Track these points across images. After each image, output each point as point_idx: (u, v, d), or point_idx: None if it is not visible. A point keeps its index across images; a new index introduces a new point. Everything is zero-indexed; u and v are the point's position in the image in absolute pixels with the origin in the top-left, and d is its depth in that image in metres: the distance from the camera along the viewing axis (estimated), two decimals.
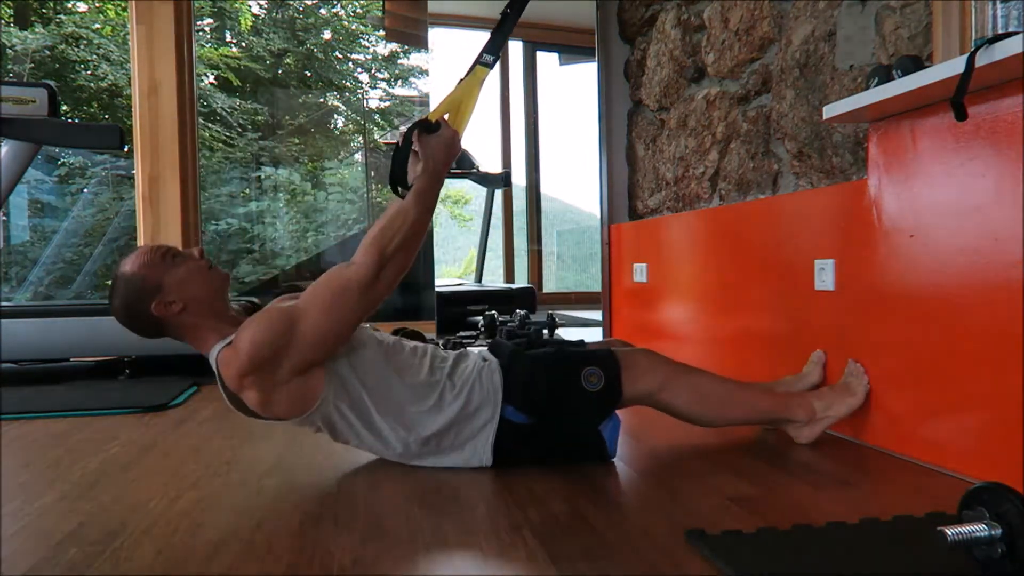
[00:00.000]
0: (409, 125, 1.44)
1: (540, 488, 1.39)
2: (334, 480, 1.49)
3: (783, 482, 1.44)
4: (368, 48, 8.35)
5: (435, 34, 6.07)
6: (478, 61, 1.49)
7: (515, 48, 6.07)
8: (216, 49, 7.41)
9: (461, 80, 1.50)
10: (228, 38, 7.80)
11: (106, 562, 1.07)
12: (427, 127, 1.42)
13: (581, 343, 1.80)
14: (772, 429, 1.80)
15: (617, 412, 1.57)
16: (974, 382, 1.39)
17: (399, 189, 1.42)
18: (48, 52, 6.61)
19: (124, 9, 6.71)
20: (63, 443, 1.83)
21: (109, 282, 1.54)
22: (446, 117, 1.47)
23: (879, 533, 1.12)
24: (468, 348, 1.68)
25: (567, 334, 4.04)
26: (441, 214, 10.12)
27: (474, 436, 1.51)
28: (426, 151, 1.42)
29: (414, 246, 1.46)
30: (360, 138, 8.00)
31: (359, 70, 8.44)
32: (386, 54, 8.29)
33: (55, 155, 6.05)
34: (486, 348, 1.68)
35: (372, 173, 7.30)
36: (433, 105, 1.50)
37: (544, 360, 1.58)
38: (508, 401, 1.51)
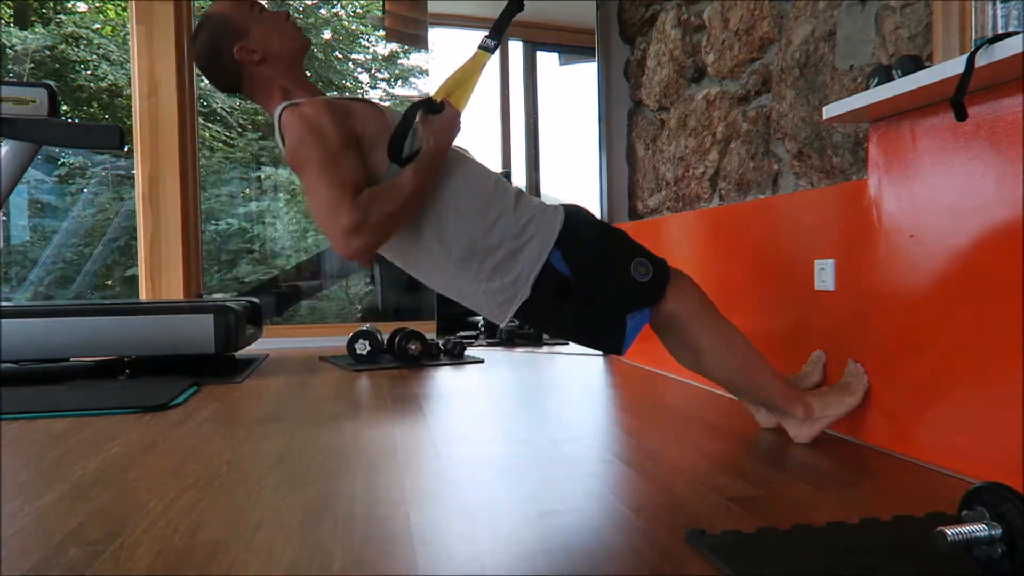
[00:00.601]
0: (412, 103, 1.47)
1: (540, 488, 1.39)
2: (334, 480, 1.49)
3: (783, 482, 1.44)
4: (368, 48, 8.35)
5: (435, 34, 6.07)
6: (480, 46, 1.53)
7: (515, 48, 6.07)
8: None
9: (462, 65, 1.53)
10: None
11: (106, 562, 1.07)
12: (430, 107, 1.45)
13: None
14: (772, 429, 1.80)
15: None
16: (974, 382, 1.39)
17: (395, 158, 1.45)
18: (48, 52, 6.61)
19: (124, 9, 6.71)
20: (63, 443, 1.83)
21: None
22: (450, 100, 1.50)
23: (879, 533, 1.12)
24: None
25: None
26: None
27: (519, 264, 1.52)
28: (428, 129, 1.45)
29: (400, 218, 1.47)
30: None
31: (359, 70, 8.44)
32: (386, 54, 8.29)
33: (55, 155, 6.05)
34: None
35: None
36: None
37: (607, 231, 1.63)
38: (559, 246, 1.52)
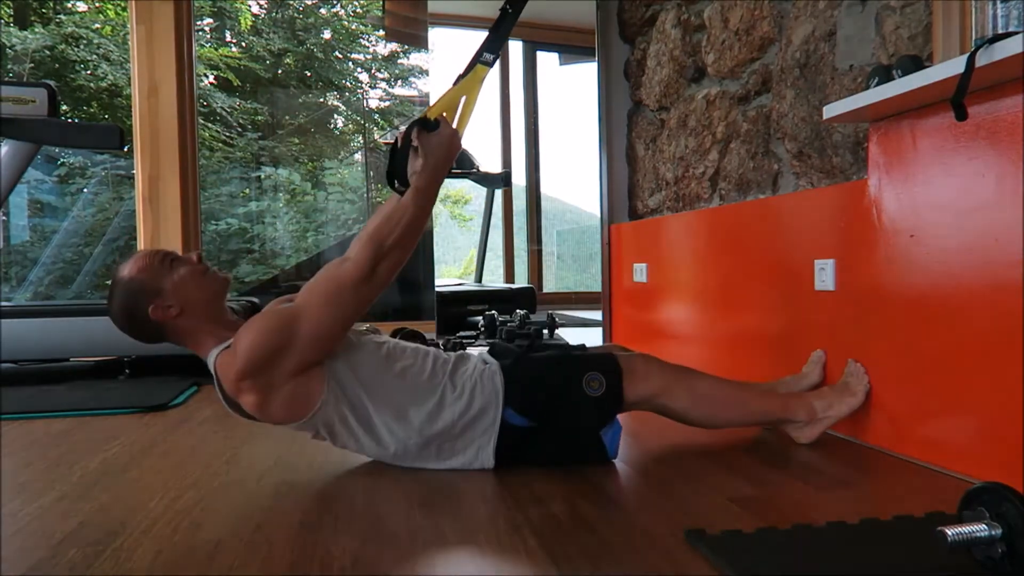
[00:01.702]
0: (409, 123, 1.44)
1: (540, 488, 1.39)
2: (334, 480, 1.49)
3: (783, 482, 1.44)
4: (368, 48, 8.34)
5: (435, 34, 6.08)
6: (478, 60, 1.49)
7: (515, 48, 6.07)
8: (216, 49, 7.40)
9: (460, 77, 1.49)
10: (228, 38, 7.80)
11: (106, 562, 1.07)
12: (426, 125, 1.42)
13: (582, 347, 1.80)
14: (772, 429, 1.80)
15: (618, 417, 1.57)
16: (974, 382, 1.39)
17: (396, 185, 1.43)
18: (48, 52, 6.61)
19: (124, 9, 6.71)
20: (63, 443, 1.83)
21: (109, 283, 1.54)
22: (448, 117, 1.47)
23: (879, 533, 1.11)
24: (468, 351, 1.68)
25: (567, 334, 4.04)
26: (441, 214, 10.12)
27: (476, 439, 1.50)
28: (426, 149, 1.42)
29: (411, 243, 1.45)
30: (360, 138, 8.00)
31: (359, 70, 8.44)
32: (386, 54, 8.29)
33: (55, 155, 6.05)
34: (486, 350, 1.68)
35: (372, 173, 7.30)
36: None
37: (546, 363, 1.58)
38: (508, 404, 1.50)
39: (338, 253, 1.60)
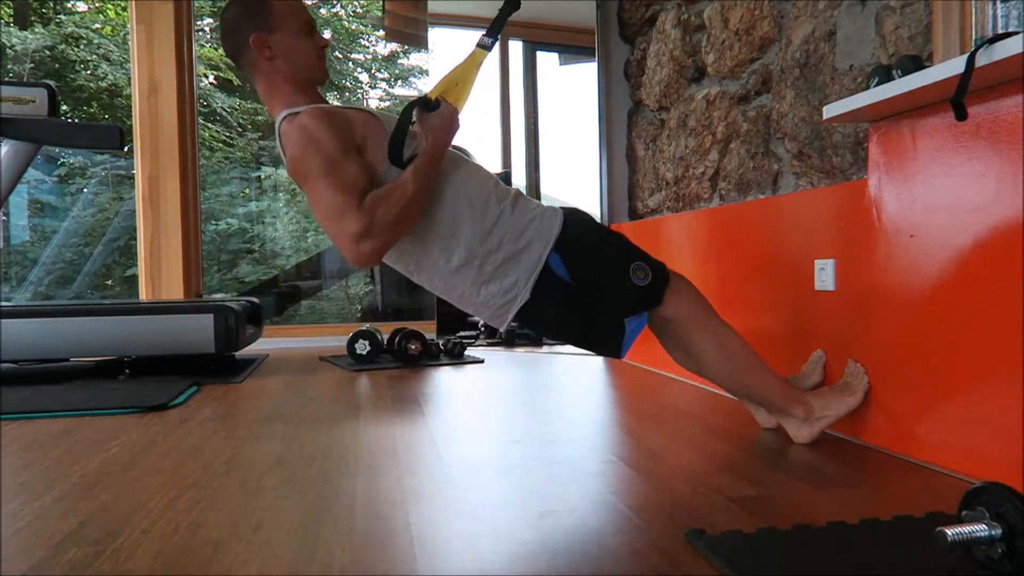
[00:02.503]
0: (408, 103, 1.47)
1: (541, 488, 1.39)
2: (334, 480, 1.49)
3: (783, 482, 1.44)
4: (368, 48, 8.35)
5: (435, 34, 6.07)
6: (478, 44, 1.53)
7: (515, 48, 6.07)
8: (216, 49, 7.40)
9: (460, 63, 1.53)
10: None
11: (106, 562, 1.07)
12: (426, 105, 1.45)
13: None
14: (773, 429, 1.80)
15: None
16: (974, 382, 1.39)
17: (392, 163, 1.45)
18: (48, 52, 6.61)
19: (124, 9, 6.71)
20: (63, 443, 1.83)
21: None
22: (448, 98, 1.50)
23: (879, 533, 1.12)
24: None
25: None
26: None
27: (518, 268, 1.52)
28: (425, 128, 1.45)
29: (407, 220, 1.47)
30: None
31: (359, 70, 8.44)
32: (386, 54, 8.30)
33: (55, 155, 6.05)
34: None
35: None
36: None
37: (606, 234, 1.64)
38: (557, 249, 1.52)
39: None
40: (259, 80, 1.58)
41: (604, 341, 1.57)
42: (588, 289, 1.54)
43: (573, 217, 1.60)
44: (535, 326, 1.61)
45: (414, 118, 1.46)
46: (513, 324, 1.60)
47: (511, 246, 1.52)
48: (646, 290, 1.55)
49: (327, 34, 8.10)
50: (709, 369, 1.65)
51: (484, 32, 1.56)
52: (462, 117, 1.55)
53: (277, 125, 1.54)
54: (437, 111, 1.46)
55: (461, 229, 1.51)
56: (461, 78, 1.54)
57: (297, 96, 1.56)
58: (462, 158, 1.60)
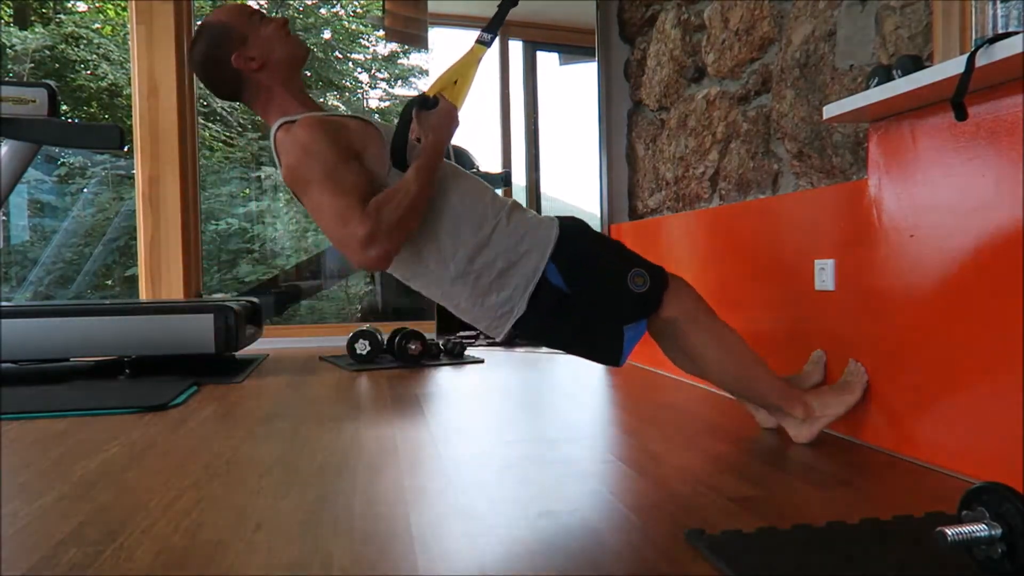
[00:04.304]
0: (408, 102, 1.47)
1: (541, 488, 1.39)
2: (334, 480, 1.49)
3: (783, 482, 1.43)
4: (368, 48, 8.35)
5: (435, 34, 6.07)
6: (477, 40, 1.53)
7: (515, 48, 6.06)
8: None
9: (458, 60, 1.53)
10: None
11: (106, 562, 1.07)
12: (425, 103, 1.44)
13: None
14: (773, 429, 1.80)
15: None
16: (974, 382, 1.39)
17: (395, 163, 1.45)
18: (48, 52, 6.61)
19: (124, 9, 6.71)
20: (63, 443, 1.83)
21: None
22: (447, 95, 1.49)
23: (879, 533, 1.12)
24: None
25: None
26: None
27: (515, 279, 1.52)
28: (425, 126, 1.44)
29: (412, 220, 1.47)
30: None
31: (359, 70, 8.44)
32: (386, 54, 8.29)
33: (55, 155, 6.05)
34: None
35: None
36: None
37: (602, 242, 1.63)
38: (554, 259, 1.52)
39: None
40: (255, 96, 1.55)
41: (603, 350, 1.57)
42: (586, 298, 1.53)
43: (569, 226, 1.59)
44: (533, 336, 1.60)
45: (412, 116, 1.46)
46: (512, 333, 1.59)
47: (507, 257, 1.51)
48: (645, 296, 1.54)
49: (327, 34, 8.10)
50: (709, 369, 1.65)
51: (483, 28, 1.56)
52: (461, 114, 1.55)
53: (272, 133, 1.53)
54: (436, 108, 1.45)
55: (457, 241, 1.51)
56: (460, 75, 1.53)
57: (291, 103, 1.54)
58: (458, 169, 1.60)
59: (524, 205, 1.65)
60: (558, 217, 1.67)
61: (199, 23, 1.58)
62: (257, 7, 1.64)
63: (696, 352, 1.62)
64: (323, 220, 1.47)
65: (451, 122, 1.48)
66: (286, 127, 1.49)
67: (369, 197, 1.44)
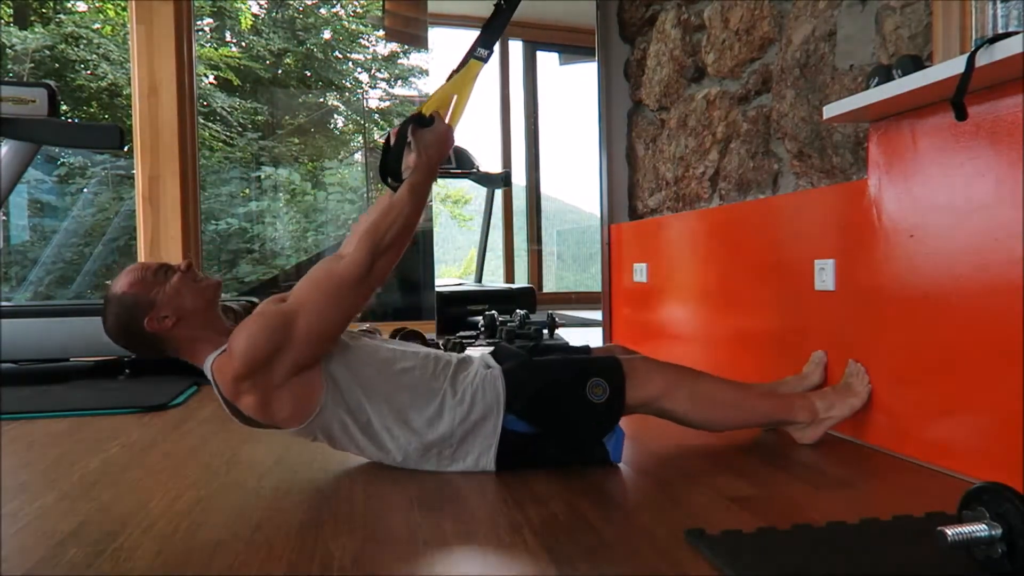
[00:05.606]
0: (404, 120, 1.45)
1: (540, 488, 1.39)
2: (334, 480, 1.49)
3: (783, 482, 1.43)
4: (368, 48, 8.35)
5: (435, 34, 6.08)
6: (471, 55, 1.50)
7: (515, 48, 6.07)
8: (216, 49, 7.41)
9: (453, 73, 1.50)
10: (228, 38, 7.80)
11: (106, 562, 1.07)
12: (421, 121, 1.43)
13: (586, 348, 1.79)
14: (773, 429, 1.80)
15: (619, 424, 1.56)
16: (974, 382, 1.39)
17: (390, 181, 1.43)
18: (48, 52, 6.61)
19: (124, 9, 6.71)
20: (63, 443, 1.83)
21: (108, 282, 1.55)
22: (442, 113, 1.48)
23: (879, 533, 1.12)
24: (470, 354, 1.66)
25: (567, 334, 4.04)
26: (441, 214, 10.12)
27: (476, 445, 1.49)
28: (420, 145, 1.43)
29: (406, 239, 1.45)
30: (360, 138, 8.01)
31: (359, 70, 8.44)
32: (386, 54, 8.30)
33: (55, 155, 6.05)
34: (488, 353, 1.67)
35: (372, 173, 7.29)
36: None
37: (549, 369, 1.56)
38: (510, 410, 1.49)
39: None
40: (181, 350, 1.51)
41: (591, 462, 1.55)
42: (554, 429, 1.52)
43: (513, 369, 1.55)
44: (519, 468, 1.55)
45: (409, 136, 1.44)
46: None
47: (463, 427, 1.48)
48: (608, 404, 1.50)
49: (327, 34, 8.10)
50: (701, 426, 1.63)
51: (477, 42, 1.51)
52: (459, 121, 1.52)
53: (208, 369, 1.46)
54: (431, 127, 1.44)
55: (409, 428, 1.48)
56: (456, 91, 1.50)
57: (217, 338, 1.48)
58: (394, 352, 1.54)
59: (463, 361, 1.58)
60: (493, 352, 1.66)
61: (104, 296, 1.51)
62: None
63: (681, 419, 1.60)
64: (329, 305, 1.40)
65: (446, 142, 1.46)
66: (221, 356, 1.44)
67: (336, 257, 1.42)
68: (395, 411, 1.47)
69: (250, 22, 7.77)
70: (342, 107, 8.12)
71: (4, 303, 3.46)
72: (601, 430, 1.53)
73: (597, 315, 3.67)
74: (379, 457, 1.51)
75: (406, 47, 7.81)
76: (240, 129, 7.12)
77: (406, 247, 1.47)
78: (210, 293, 1.52)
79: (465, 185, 9.24)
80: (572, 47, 6.01)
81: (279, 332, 1.37)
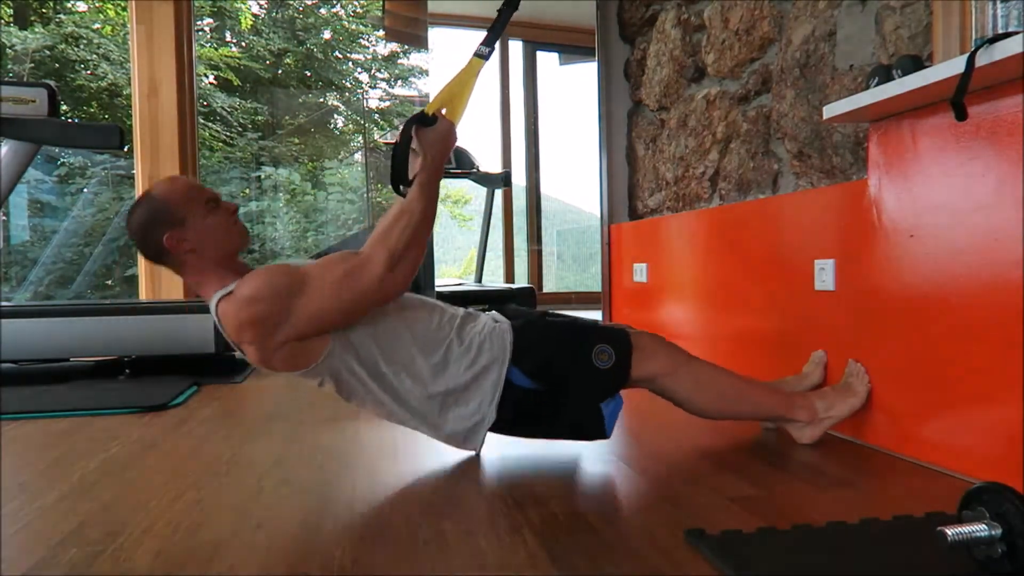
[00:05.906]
0: (405, 122, 1.46)
1: (540, 488, 1.39)
2: (334, 480, 1.49)
3: (783, 482, 1.44)
4: (368, 48, 8.35)
5: (435, 34, 6.07)
6: (475, 53, 1.52)
7: (515, 48, 6.07)
8: (216, 49, 7.41)
9: (457, 75, 1.52)
10: (228, 38, 7.81)
11: (106, 562, 1.07)
12: (423, 121, 1.44)
13: (595, 322, 1.80)
14: (773, 429, 1.80)
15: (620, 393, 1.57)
16: (974, 382, 1.39)
17: (401, 188, 1.44)
18: (48, 52, 6.62)
19: (124, 9, 6.71)
20: (63, 443, 1.83)
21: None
22: (444, 112, 1.49)
23: (879, 533, 1.12)
24: (476, 310, 1.66)
25: None
26: (441, 214, 10.10)
27: (480, 393, 1.51)
28: (424, 144, 1.44)
29: (423, 240, 1.46)
30: (360, 138, 8.01)
31: (359, 70, 8.44)
32: (386, 54, 8.30)
33: (55, 155, 6.05)
34: (496, 311, 1.68)
35: (372, 173, 7.30)
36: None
37: (558, 330, 1.58)
38: (516, 364, 1.51)
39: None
40: (186, 273, 1.50)
41: (585, 430, 1.55)
42: (555, 389, 1.52)
43: (523, 325, 1.56)
44: (512, 433, 1.59)
45: (412, 138, 1.45)
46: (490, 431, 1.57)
47: (467, 375, 1.49)
48: (612, 372, 1.52)
49: (327, 34, 8.11)
50: (701, 411, 1.64)
51: (481, 40, 1.53)
52: (459, 122, 1.53)
53: (213, 306, 1.46)
54: (434, 126, 1.45)
55: (413, 377, 1.49)
56: (458, 89, 1.52)
57: (227, 275, 1.47)
58: (401, 302, 1.54)
59: (470, 314, 1.59)
60: (502, 309, 1.67)
61: (147, 190, 1.51)
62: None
63: (681, 400, 1.61)
64: (337, 298, 1.40)
65: (449, 138, 1.47)
66: (227, 298, 1.43)
67: (351, 253, 1.43)
68: (404, 356, 1.49)
69: (250, 22, 7.77)
70: (342, 107, 8.13)
71: (4, 303, 3.46)
72: (601, 394, 1.53)
73: (597, 315, 3.67)
74: (386, 402, 1.51)
75: (406, 47, 7.82)
76: (240, 129, 7.12)
77: (425, 246, 1.48)
78: (239, 242, 1.53)
79: (465, 185, 9.24)
80: (572, 47, 6.01)
81: (279, 303, 1.39)
